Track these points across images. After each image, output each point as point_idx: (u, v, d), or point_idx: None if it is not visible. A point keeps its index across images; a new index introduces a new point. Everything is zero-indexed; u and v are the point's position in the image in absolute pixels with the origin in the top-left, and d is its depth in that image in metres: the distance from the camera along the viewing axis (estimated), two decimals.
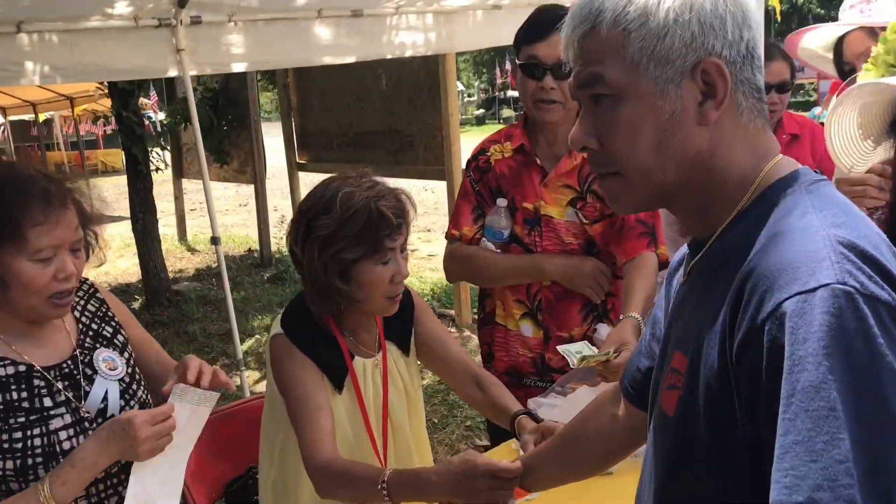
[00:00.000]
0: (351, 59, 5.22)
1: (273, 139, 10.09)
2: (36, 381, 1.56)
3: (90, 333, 1.70)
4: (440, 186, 5.98)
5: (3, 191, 1.48)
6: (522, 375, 2.36)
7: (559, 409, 2.20)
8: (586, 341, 2.22)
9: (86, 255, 1.62)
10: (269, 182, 9.21)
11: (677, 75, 0.92)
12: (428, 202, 12.78)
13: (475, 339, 5.97)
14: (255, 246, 9.34)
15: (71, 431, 1.56)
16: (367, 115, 6.90)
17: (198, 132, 4.47)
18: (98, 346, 1.69)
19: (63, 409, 1.57)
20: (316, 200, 1.70)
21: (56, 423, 1.55)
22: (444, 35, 5.37)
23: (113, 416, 1.62)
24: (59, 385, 1.58)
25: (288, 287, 7.66)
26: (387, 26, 5.16)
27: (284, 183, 9.26)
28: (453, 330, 6.16)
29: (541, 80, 2.10)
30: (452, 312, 6.39)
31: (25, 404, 1.53)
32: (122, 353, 1.71)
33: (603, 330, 2.33)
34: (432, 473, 1.51)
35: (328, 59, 5.10)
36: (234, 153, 8.65)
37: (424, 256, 8.76)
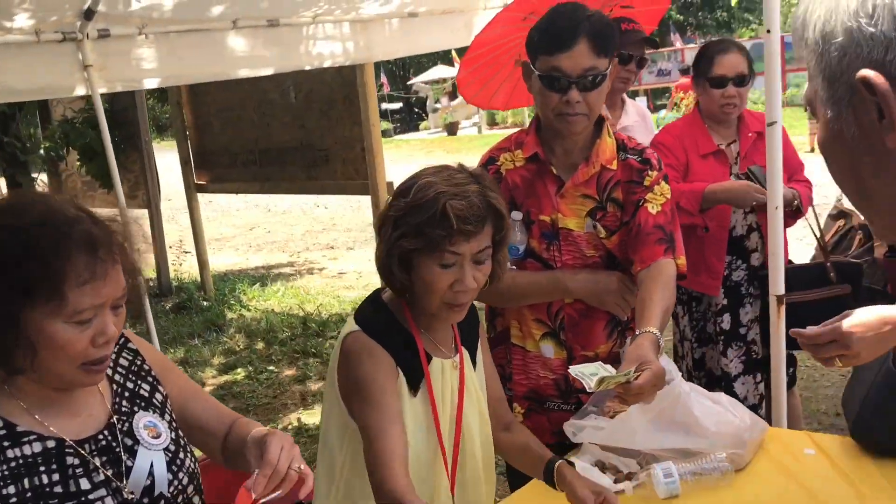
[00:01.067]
0: (269, 71, 4.98)
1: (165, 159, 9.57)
2: (69, 459, 1.28)
3: (126, 395, 1.42)
4: (364, 201, 5.76)
5: (39, 238, 1.19)
6: (545, 399, 2.20)
7: (606, 431, 2.06)
8: (599, 362, 2.07)
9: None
10: (166, 205, 8.69)
11: None
12: (323, 218, 12.49)
13: None
14: (153, 274, 8.78)
15: None
16: (275, 131, 6.59)
17: (111, 158, 4.11)
18: (136, 409, 1.41)
19: (103, 492, 1.29)
20: (405, 182, 1.65)
21: None
22: (361, 44, 5.19)
23: (161, 494, 1.35)
24: (97, 461, 1.31)
25: (196, 315, 7.21)
26: (304, 36, 4.94)
27: (182, 205, 8.77)
28: None
29: (565, 94, 1.96)
30: None
31: (58, 489, 1.26)
32: (163, 416, 1.44)
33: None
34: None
35: (245, 72, 4.83)
36: (123, 177, 8.08)
37: (335, 275, 8.49)
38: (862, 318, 1.64)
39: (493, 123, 24.64)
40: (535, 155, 2.12)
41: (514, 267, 2.16)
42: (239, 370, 5.71)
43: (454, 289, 1.59)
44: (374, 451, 1.52)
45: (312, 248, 10.44)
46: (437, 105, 29.31)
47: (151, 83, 4.43)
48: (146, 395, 1.45)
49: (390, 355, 1.62)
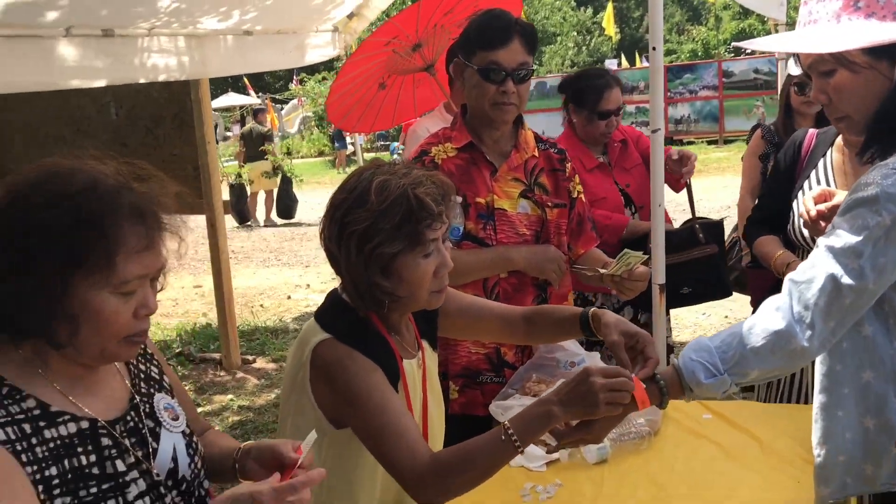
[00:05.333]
0: (101, 83, 4.71)
1: None
2: (103, 441, 1.23)
3: (141, 376, 1.38)
4: (199, 220, 5.57)
5: (91, 207, 1.15)
6: (478, 373, 2.35)
7: None
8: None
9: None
10: None
11: None
12: None
13: (251, 379, 5.64)
14: None
15: (147, 500, 1.25)
16: (92, 149, 6.18)
17: None
18: (153, 391, 1.37)
19: (136, 473, 1.26)
20: (349, 192, 1.55)
21: (132, 492, 1.23)
22: (197, 59, 5.08)
23: (183, 476, 1.32)
24: (127, 443, 1.26)
25: None
26: (138, 48, 4.75)
27: None
28: (222, 374, 5.75)
29: (502, 85, 2.18)
30: (218, 356, 5.96)
31: (95, 470, 1.21)
32: (173, 398, 1.40)
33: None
34: (550, 396, 1.46)
35: (76, 83, 4.54)
36: None
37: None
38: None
39: (287, 153, 24.39)
40: (468, 144, 2.32)
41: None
42: None
43: (439, 274, 1.60)
44: (399, 450, 1.49)
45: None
46: (228, 133, 28.59)
47: None
48: (157, 377, 1.42)
49: (374, 362, 1.57)
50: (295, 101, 28.27)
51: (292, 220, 13.77)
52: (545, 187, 2.36)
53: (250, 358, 5.99)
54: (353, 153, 21.43)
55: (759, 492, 1.88)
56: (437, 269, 1.59)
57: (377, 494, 1.66)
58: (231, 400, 5.21)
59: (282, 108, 28.37)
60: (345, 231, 1.54)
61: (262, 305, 7.90)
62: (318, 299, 7.08)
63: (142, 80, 4.84)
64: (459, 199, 2.28)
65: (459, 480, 1.48)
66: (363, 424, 1.54)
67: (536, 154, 2.38)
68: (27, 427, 1.16)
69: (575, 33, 34.38)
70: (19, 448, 1.13)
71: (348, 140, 21.80)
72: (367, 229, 1.51)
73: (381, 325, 1.64)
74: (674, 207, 4.19)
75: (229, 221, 8.87)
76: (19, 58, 4.11)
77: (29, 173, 1.22)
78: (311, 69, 22.86)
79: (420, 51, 3.82)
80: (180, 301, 8.14)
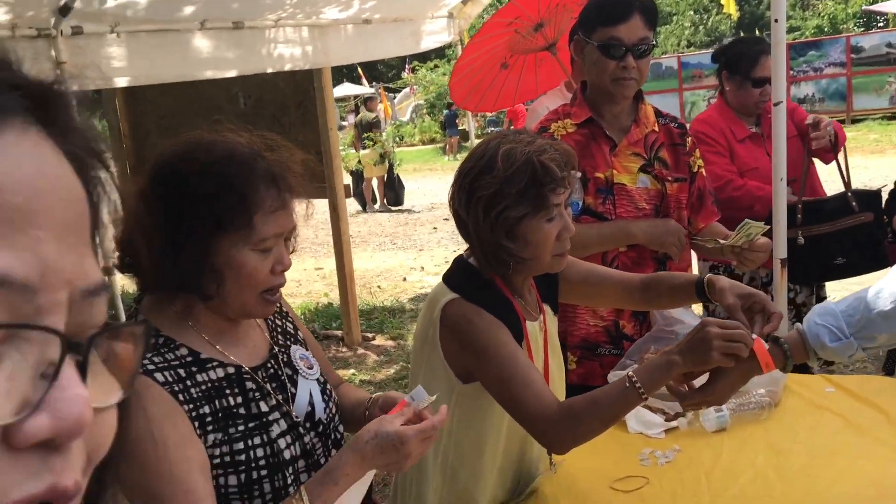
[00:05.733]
0: (232, 73, 5.01)
1: None
2: (248, 384, 1.38)
3: (279, 330, 1.53)
4: (321, 205, 5.80)
5: (231, 172, 1.28)
6: (596, 345, 2.41)
7: None
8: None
9: None
10: None
11: None
12: None
13: (371, 355, 5.86)
14: None
15: (288, 439, 1.39)
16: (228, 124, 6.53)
17: None
18: (289, 343, 1.53)
19: (277, 414, 1.40)
20: (476, 160, 1.65)
21: (275, 431, 1.38)
22: (319, 48, 5.29)
23: (320, 419, 1.46)
24: (269, 387, 1.41)
25: None
26: (266, 39, 5.00)
27: None
28: (344, 350, 6.00)
29: (622, 60, 2.22)
30: (340, 333, 6.21)
31: (242, 410, 1.35)
32: (307, 350, 1.54)
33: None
34: (672, 348, 1.52)
35: (210, 73, 4.83)
36: None
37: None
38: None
39: (399, 141, 24.87)
40: (587, 120, 2.36)
41: None
42: None
43: (561, 237, 1.68)
44: (528, 398, 1.57)
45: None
46: (343, 123, 29.35)
47: (121, 82, 4.40)
48: (292, 331, 1.55)
49: (500, 320, 1.66)
50: (407, 90, 28.71)
51: (403, 207, 14.04)
52: (665, 162, 2.38)
53: (370, 335, 6.22)
54: (465, 140, 21.62)
55: (885, 464, 1.86)
56: (559, 233, 1.67)
57: (501, 446, 1.77)
58: (353, 374, 5.44)
59: (394, 97, 28.87)
60: (473, 196, 1.63)
61: (379, 287, 8.15)
62: (433, 281, 7.25)
63: (269, 70, 5.09)
64: (579, 174, 2.33)
65: (586, 427, 1.57)
66: (492, 376, 1.63)
67: (657, 129, 2.40)
68: (181, 371, 1.31)
69: (692, 12, 33.33)
70: (176, 389, 1.28)
71: (459, 127, 22.00)
72: (493, 194, 1.60)
73: (505, 288, 1.73)
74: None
75: (350, 206, 9.19)
76: (160, 51, 4.42)
77: (175, 146, 1.37)
78: (423, 57, 23.15)
79: (542, 30, 3.87)
80: (303, 282, 8.49)
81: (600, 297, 2.01)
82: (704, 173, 2.47)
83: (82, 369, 0.39)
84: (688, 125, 2.50)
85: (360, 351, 5.92)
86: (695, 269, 2.95)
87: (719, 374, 1.56)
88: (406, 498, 1.81)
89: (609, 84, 2.28)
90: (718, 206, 2.52)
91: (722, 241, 2.22)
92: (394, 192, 14.15)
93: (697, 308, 3.46)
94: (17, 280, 0.35)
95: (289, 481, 1.36)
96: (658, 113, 2.45)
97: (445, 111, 22.87)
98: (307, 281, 8.56)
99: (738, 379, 1.56)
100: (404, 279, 8.42)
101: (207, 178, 1.29)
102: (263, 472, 1.33)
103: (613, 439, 2.03)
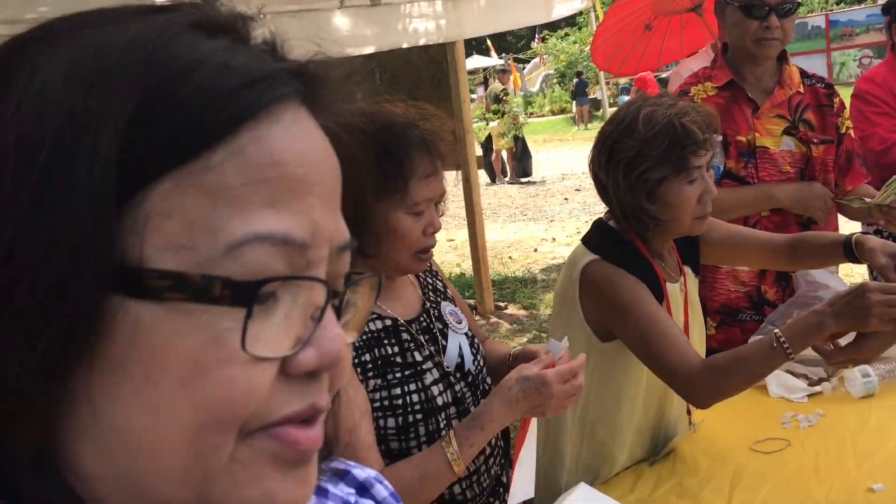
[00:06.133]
0: (370, 49, 5.15)
1: None
2: (403, 336, 1.50)
3: (430, 287, 1.65)
4: (452, 176, 5.93)
5: (388, 140, 1.39)
6: (737, 311, 2.39)
7: None
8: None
9: None
10: None
11: None
12: None
13: (504, 324, 5.96)
14: None
15: (441, 386, 1.51)
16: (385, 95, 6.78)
17: None
18: (439, 299, 1.64)
19: (430, 364, 1.51)
20: (617, 124, 1.68)
21: (428, 379, 1.49)
22: (453, 21, 5.37)
23: (469, 370, 1.56)
24: (422, 339, 1.52)
25: None
26: (401, 14, 5.13)
27: None
28: (477, 318, 6.14)
29: (765, 20, 2.18)
30: (473, 302, 6.36)
31: (398, 359, 1.47)
32: (456, 307, 1.65)
33: None
34: (824, 308, 1.50)
35: (350, 51, 5.01)
36: None
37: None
38: None
39: (526, 111, 24.75)
40: (729, 83, 2.33)
41: None
42: None
43: (702, 200, 1.68)
44: (671, 355, 1.59)
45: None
46: (473, 96, 29.48)
47: None
48: (442, 289, 1.66)
49: (642, 281, 1.69)
50: (537, 60, 28.47)
51: (533, 178, 14.01)
52: (811, 124, 2.32)
53: (502, 304, 6.32)
54: (596, 109, 21.28)
55: None
56: (700, 196, 1.67)
57: (640, 404, 1.81)
58: None
59: (524, 68, 28.70)
60: (613, 159, 1.67)
61: (510, 257, 8.23)
62: (565, 252, 7.25)
63: (405, 45, 5.23)
64: (720, 137, 2.30)
65: (730, 382, 1.57)
66: (634, 333, 1.66)
67: (802, 90, 2.34)
68: None
69: None
70: None
71: (589, 96, 21.65)
72: (634, 157, 1.63)
73: (645, 249, 1.76)
74: None
75: (482, 178, 9.29)
76: (301, 31, 4.63)
77: None
78: (553, 26, 22.88)
79: None
80: (435, 253, 8.63)
81: (743, 257, 2.00)
82: (853, 134, 2.39)
83: (338, 312, 0.47)
84: (835, 86, 2.41)
85: (493, 319, 6.03)
86: None
87: (870, 333, 1.53)
88: (543, 448, 1.88)
89: (751, 45, 2.24)
90: (884, 170, 2.43)
91: (868, 200, 2.15)
92: (521, 164, 14.15)
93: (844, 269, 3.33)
94: (296, 240, 0.43)
95: (441, 426, 1.47)
96: (803, 74, 2.38)
97: (575, 80, 22.56)
98: (439, 252, 8.69)
99: (889, 339, 1.53)
100: (535, 250, 8.46)
101: (368, 147, 1.39)
102: (419, 416, 1.44)
103: (754, 402, 2.03)
